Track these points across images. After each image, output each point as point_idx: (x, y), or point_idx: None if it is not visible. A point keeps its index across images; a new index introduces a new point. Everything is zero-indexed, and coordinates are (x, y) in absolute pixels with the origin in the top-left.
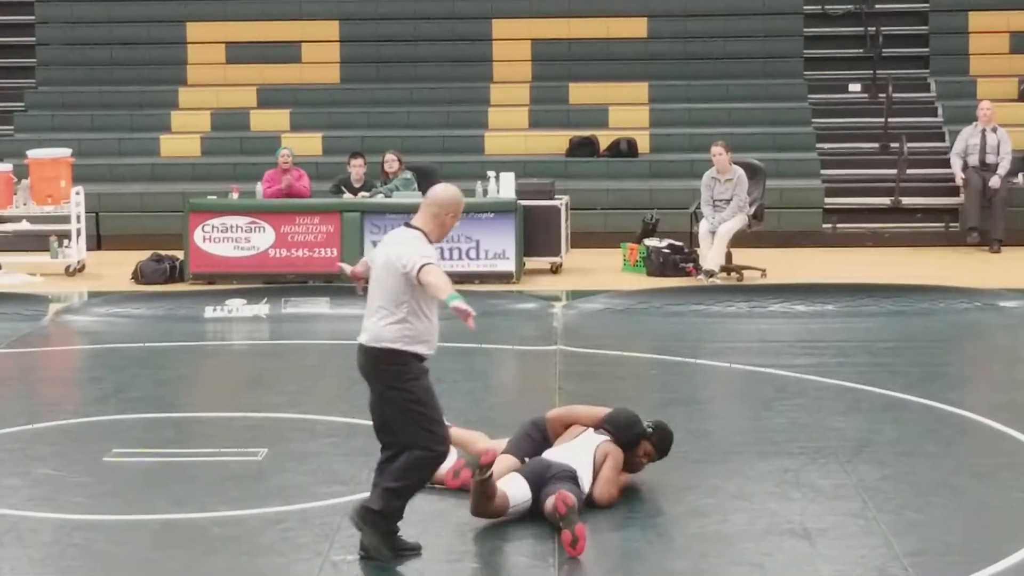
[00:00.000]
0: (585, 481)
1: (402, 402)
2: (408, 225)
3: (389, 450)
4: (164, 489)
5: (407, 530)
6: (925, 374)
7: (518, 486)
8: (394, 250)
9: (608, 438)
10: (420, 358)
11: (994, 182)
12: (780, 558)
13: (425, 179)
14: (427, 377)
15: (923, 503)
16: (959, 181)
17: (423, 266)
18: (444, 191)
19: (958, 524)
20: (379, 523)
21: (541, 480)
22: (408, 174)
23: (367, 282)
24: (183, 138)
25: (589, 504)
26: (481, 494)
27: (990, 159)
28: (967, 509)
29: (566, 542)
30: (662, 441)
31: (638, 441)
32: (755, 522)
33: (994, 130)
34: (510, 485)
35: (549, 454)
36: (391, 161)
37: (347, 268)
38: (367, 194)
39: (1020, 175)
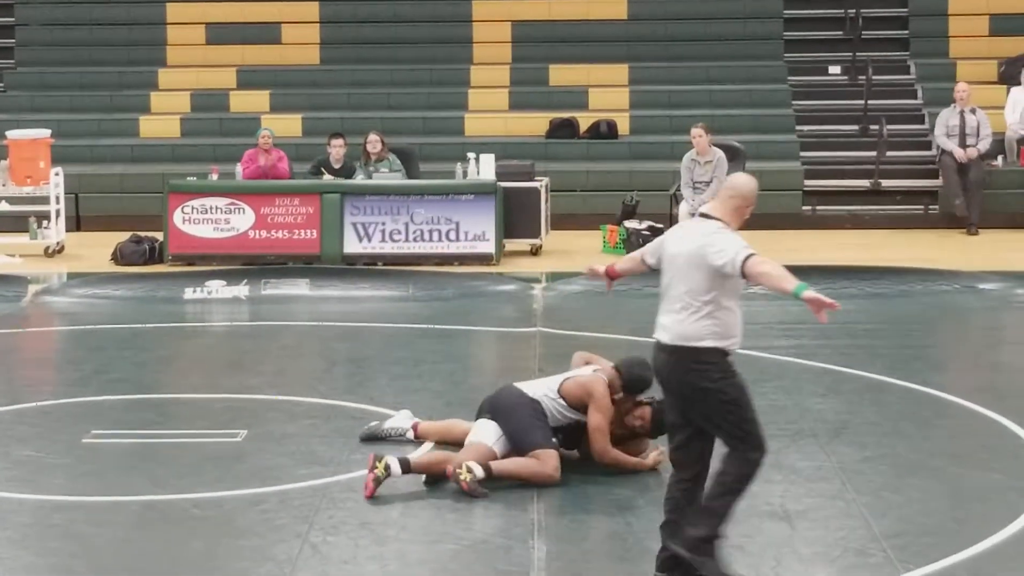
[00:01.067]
0: (546, 394)
1: (716, 403)
2: (705, 215)
3: (685, 471)
4: (143, 470)
5: (385, 512)
6: (904, 356)
7: (491, 429)
8: (701, 242)
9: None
10: (727, 353)
11: (970, 152)
12: (760, 540)
13: (405, 161)
14: (739, 374)
15: (902, 484)
16: (959, 155)
17: (749, 256)
18: (749, 183)
19: (937, 506)
20: (711, 548)
21: (498, 414)
22: (391, 156)
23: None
24: (163, 119)
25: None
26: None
27: (971, 141)
28: (946, 490)
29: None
30: (658, 413)
31: (639, 390)
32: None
33: (973, 111)
34: (484, 433)
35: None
36: (374, 142)
37: (599, 269)
38: (367, 173)
39: (999, 157)
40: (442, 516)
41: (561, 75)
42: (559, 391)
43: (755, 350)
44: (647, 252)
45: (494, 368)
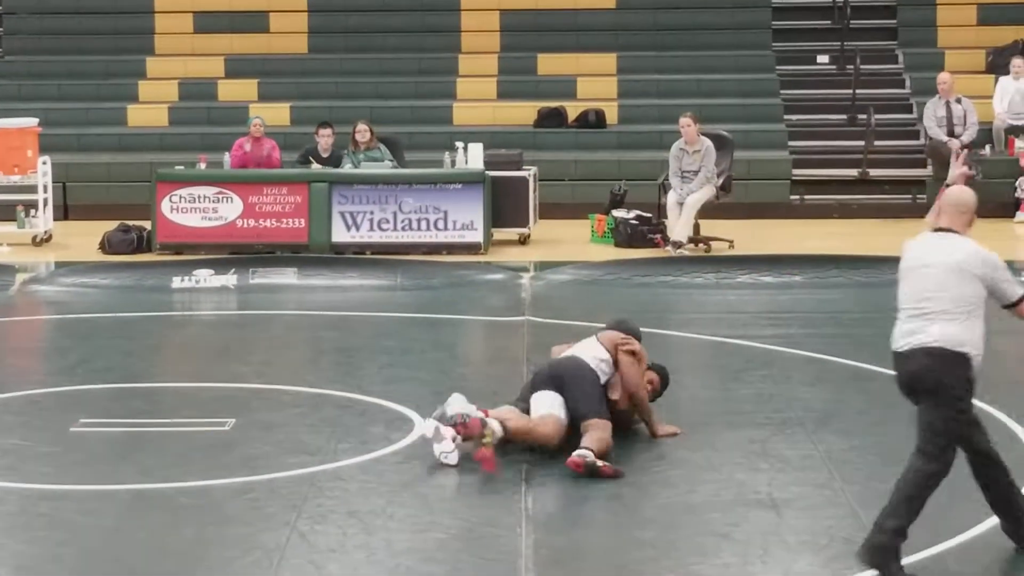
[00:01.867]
0: (599, 365)
1: (950, 411)
2: (943, 230)
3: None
4: (131, 459)
5: (373, 501)
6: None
7: (557, 402)
8: (970, 258)
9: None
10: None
11: (953, 143)
12: (747, 528)
13: (391, 149)
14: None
15: (890, 473)
16: (953, 144)
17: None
18: (972, 197)
19: None
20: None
21: (560, 385)
22: (381, 146)
23: None
24: (150, 108)
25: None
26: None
27: (958, 130)
28: None
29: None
30: (664, 378)
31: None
32: (722, 492)
33: (958, 101)
34: (551, 405)
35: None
36: (363, 131)
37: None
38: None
39: (987, 146)
40: (430, 505)
41: (549, 64)
42: (605, 349)
43: (743, 339)
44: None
45: (482, 357)
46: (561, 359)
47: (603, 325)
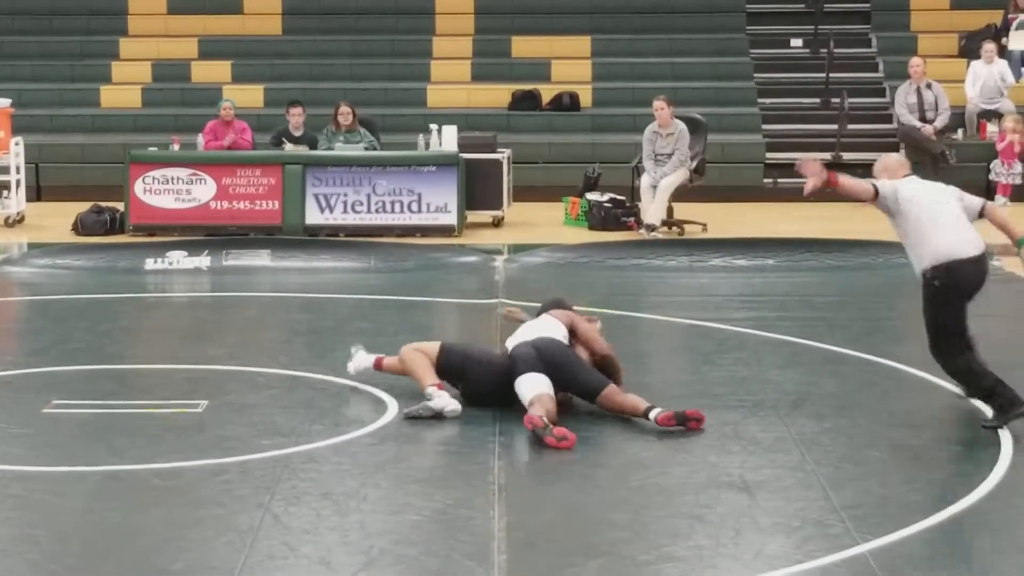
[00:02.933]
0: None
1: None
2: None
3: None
4: (104, 441)
5: (347, 482)
6: (864, 328)
7: (543, 379)
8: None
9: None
10: None
11: (926, 129)
12: (719, 510)
13: (368, 131)
14: None
15: (861, 456)
16: (927, 130)
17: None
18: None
19: (896, 477)
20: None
21: (547, 362)
22: (363, 130)
23: None
24: (124, 89)
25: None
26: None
27: (929, 116)
28: (905, 462)
29: (552, 444)
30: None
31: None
32: (694, 475)
33: (928, 86)
34: (540, 385)
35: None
36: (345, 113)
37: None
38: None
39: (960, 131)
40: (404, 487)
41: (524, 47)
42: (561, 325)
43: (716, 322)
44: (879, 184)
45: (455, 339)
46: (539, 341)
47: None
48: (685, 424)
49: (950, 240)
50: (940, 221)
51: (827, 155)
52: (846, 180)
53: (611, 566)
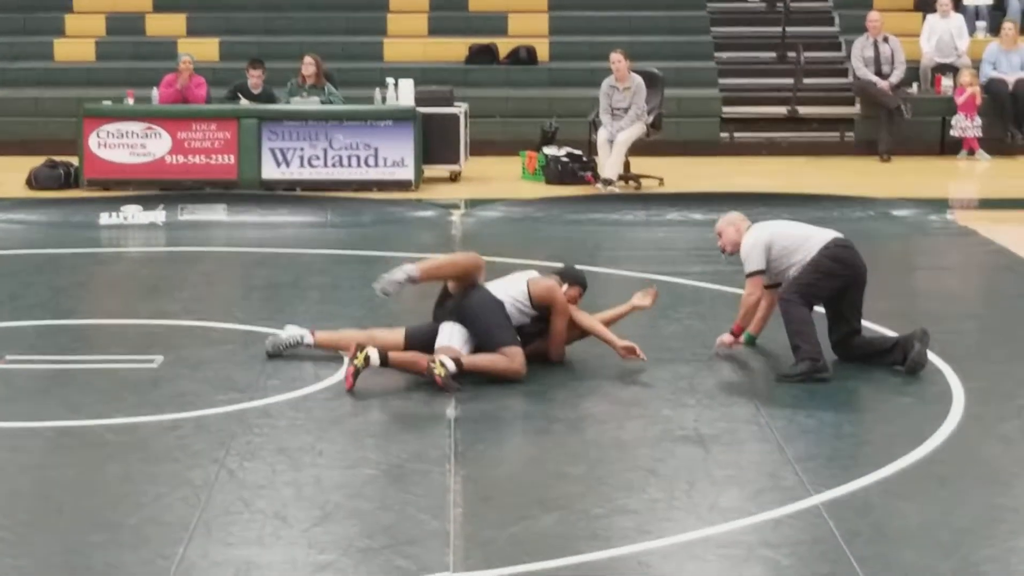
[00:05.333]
0: (516, 306)
1: None
2: None
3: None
4: (58, 396)
5: (302, 437)
6: None
7: (457, 332)
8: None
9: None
10: None
11: (882, 83)
12: (673, 464)
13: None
14: None
15: (814, 409)
16: (883, 85)
17: None
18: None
19: (849, 429)
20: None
21: (466, 315)
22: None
23: None
24: (77, 42)
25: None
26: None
27: (886, 70)
28: (857, 414)
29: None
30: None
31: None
32: (649, 428)
33: (885, 40)
34: (451, 336)
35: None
36: (308, 64)
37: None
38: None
39: (915, 85)
40: (359, 441)
41: (480, 0)
42: (528, 294)
43: (670, 275)
44: (755, 270)
45: (412, 293)
46: (469, 292)
47: (533, 264)
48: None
49: (827, 232)
50: (806, 227)
51: (783, 109)
52: (741, 315)
53: (566, 519)
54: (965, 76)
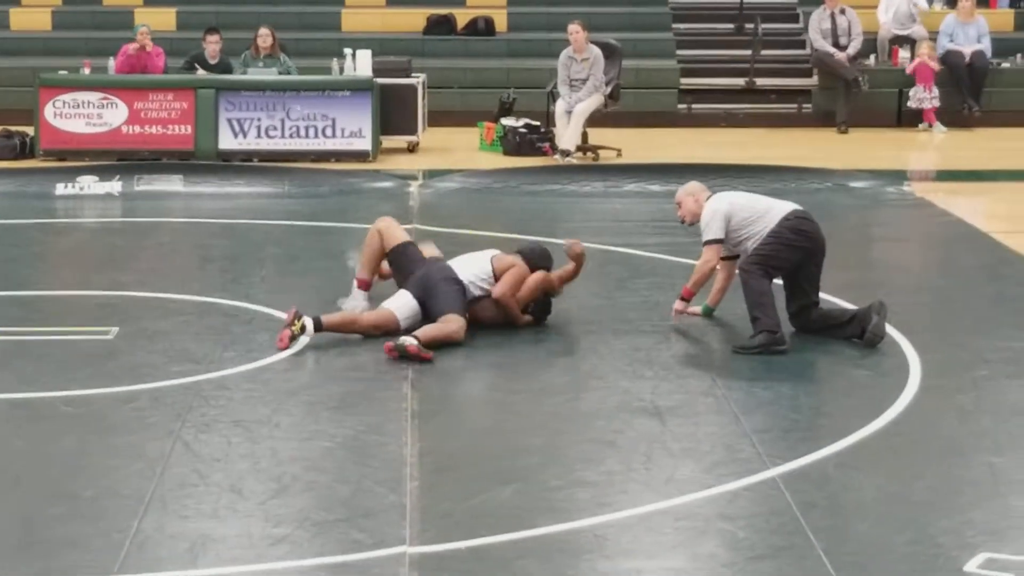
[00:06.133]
0: (476, 284)
1: None
2: None
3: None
4: (12, 368)
5: (258, 409)
6: None
7: (406, 302)
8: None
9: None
10: None
11: (840, 55)
12: (631, 435)
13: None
14: None
15: (771, 381)
16: (841, 57)
17: None
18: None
19: (806, 401)
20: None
21: (425, 289)
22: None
23: None
24: (33, 11)
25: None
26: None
27: (843, 41)
28: (815, 386)
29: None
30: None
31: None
32: (607, 400)
33: (842, 12)
34: (398, 303)
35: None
36: (264, 36)
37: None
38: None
39: (872, 57)
40: (315, 413)
41: None
42: (492, 271)
43: (628, 247)
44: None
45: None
46: (433, 267)
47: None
48: (404, 355)
49: (786, 204)
50: (766, 199)
51: (741, 80)
52: (694, 280)
53: (523, 491)
54: (924, 47)
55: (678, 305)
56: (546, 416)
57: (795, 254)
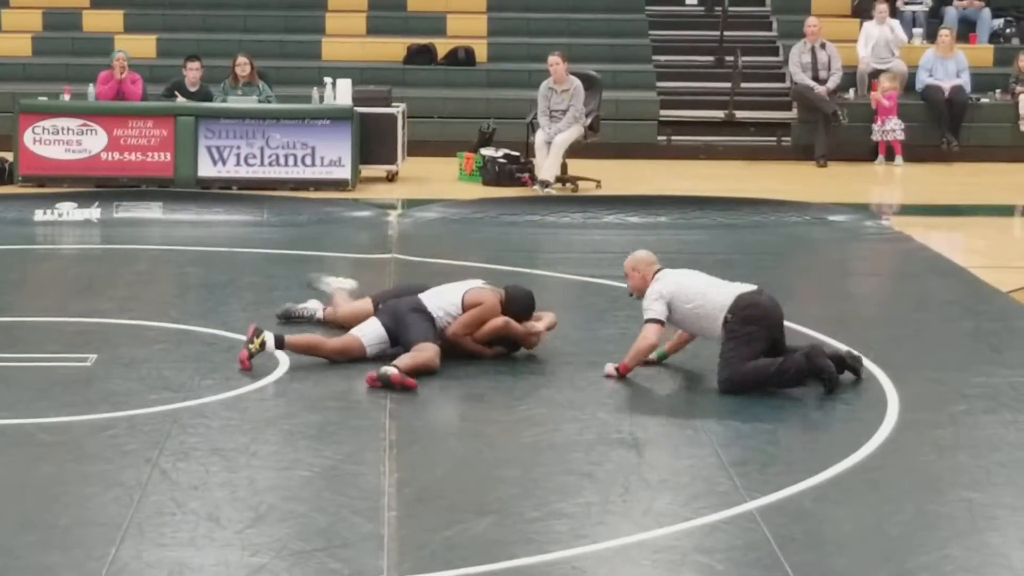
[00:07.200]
0: (443, 317)
1: None
2: None
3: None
4: None
5: (236, 438)
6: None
7: (373, 329)
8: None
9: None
10: None
11: (819, 89)
12: (609, 467)
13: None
14: None
15: (750, 414)
16: (820, 90)
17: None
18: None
19: (784, 435)
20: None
21: (394, 319)
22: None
23: None
24: (14, 37)
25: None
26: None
27: (823, 75)
28: (793, 420)
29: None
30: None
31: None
32: (585, 432)
33: (823, 46)
34: (365, 330)
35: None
36: (243, 64)
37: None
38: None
39: (851, 91)
40: (294, 442)
41: (419, 1)
42: (462, 304)
43: (607, 279)
44: (654, 317)
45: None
46: (404, 300)
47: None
48: (388, 384)
49: (731, 288)
50: (712, 284)
51: (720, 113)
52: (631, 356)
53: (501, 523)
54: (884, 81)
55: (610, 369)
56: (524, 447)
57: (760, 341)
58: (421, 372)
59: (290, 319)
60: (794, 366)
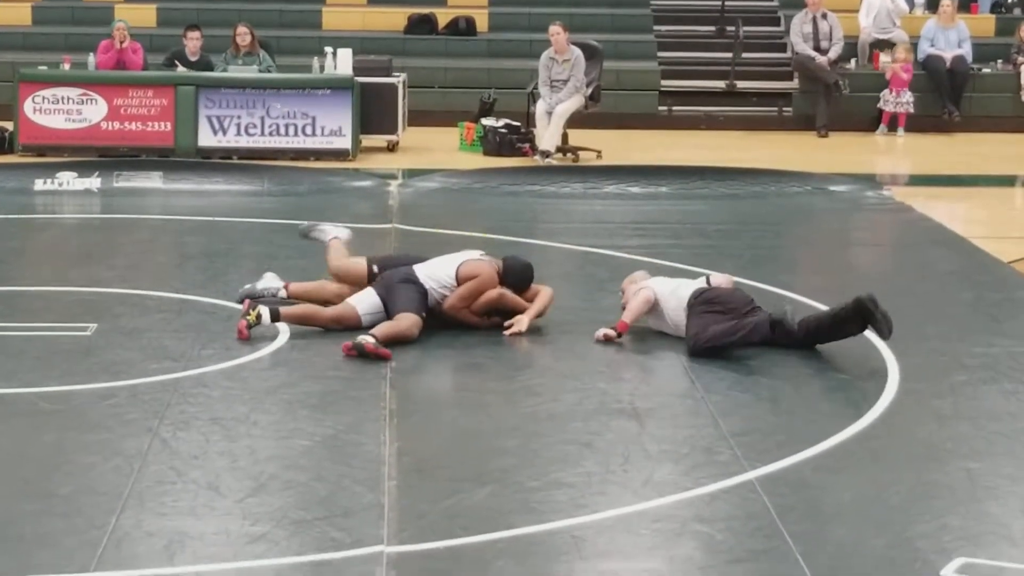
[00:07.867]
0: (437, 289)
1: None
2: None
3: None
4: None
5: (236, 407)
6: (755, 256)
7: (368, 298)
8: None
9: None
10: None
11: (820, 59)
12: (609, 437)
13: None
14: None
15: (750, 383)
16: (821, 60)
17: None
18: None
19: (784, 405)
20: None
21: (386, 289)
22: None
23: None
24: (13, 6)
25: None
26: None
27: (824, 45)
28: (793, 390)
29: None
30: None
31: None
32: (585, 401)
33: (824, 16)
34: (360, 299)
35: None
36: (243, 34)
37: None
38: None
39: (852, 60)
40: (294, 412)
41: None
42: (456, 276)
43: (607, 249)
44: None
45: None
46: (400, 269)
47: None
48: (363, 353)
49: (695, 282)
50: (680, 284)
51: (722, 83)
52: (632, 312)
53: (500, 493)
54: (900, 52)
55: (605, 334)
56: (524, 417)
57: (720, 317)
58: (398, 341)
59: (252, 298)
60: (759, 322)
